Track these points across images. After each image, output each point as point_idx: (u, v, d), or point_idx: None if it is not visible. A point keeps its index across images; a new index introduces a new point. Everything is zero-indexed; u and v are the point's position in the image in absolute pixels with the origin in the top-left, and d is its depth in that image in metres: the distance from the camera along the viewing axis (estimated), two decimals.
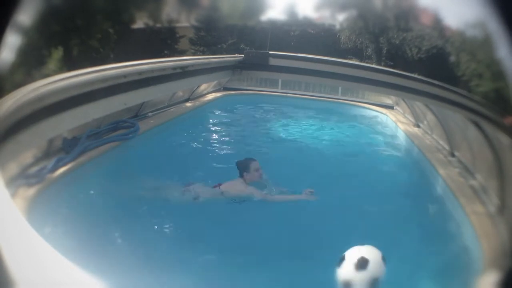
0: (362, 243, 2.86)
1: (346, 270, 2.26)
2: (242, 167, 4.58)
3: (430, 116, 6.84)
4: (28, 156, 3.72)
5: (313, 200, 4.30)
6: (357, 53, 10.17)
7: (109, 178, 4.41)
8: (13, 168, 3.39)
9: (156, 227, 3.74)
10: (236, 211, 4.32)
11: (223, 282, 2.97)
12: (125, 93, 3.54)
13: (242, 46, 9.58)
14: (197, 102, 8.53)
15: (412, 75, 5.28)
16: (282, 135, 7.74)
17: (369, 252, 2.32)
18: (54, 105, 2.64)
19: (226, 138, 7.08)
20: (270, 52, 5.65)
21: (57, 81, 2.72)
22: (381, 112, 9.54)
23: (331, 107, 9.93)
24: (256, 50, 6.99)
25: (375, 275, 2.23)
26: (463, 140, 5.18)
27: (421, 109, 7.40)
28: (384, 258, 2.33)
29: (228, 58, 6.14)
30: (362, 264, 2.23)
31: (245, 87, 10.35)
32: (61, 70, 4.04)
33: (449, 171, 5.05)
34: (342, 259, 2.34)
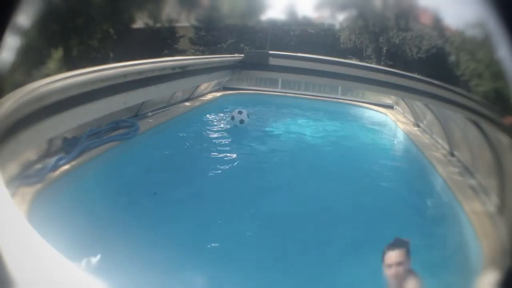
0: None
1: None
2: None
3: (429, 116, 6.84)
4: (28, 156, 3.72)
5: None
6: (357, 52, 10.17)
7: (109, 177, 4.42)
8: (13, 167, 3.39)
9: (156, 226, 3.73)
10: (238, 215, 4.32)
11: (223, 282, 2.98)
12: (125, 92, 3.54)
13: (242, 45, 9.58)
14: (197, 102, 8.53)
15: (412, 74, 5.27)
16: (281, 134, 7.73)
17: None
18: (54, 105, 2.64)
19: (226, 138, 7.07)
20: (270, 52, 5.65)
21: (57, 81, 2.72)
22: (381, 112, 9.54)
23: (331, 107, 9.92)
24: (256, 50, 6.98)
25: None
26: (463, 140, 5.18)
27: (420, 109, 7.41)
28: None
29: (228, 58, 6.14)
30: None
31: (245, 87, 10.35)
32: (61, 70, 4.05)
33: (449, 171, 5.05)
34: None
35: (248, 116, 7.43)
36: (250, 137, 7.41)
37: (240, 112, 7.40)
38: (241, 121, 7.35)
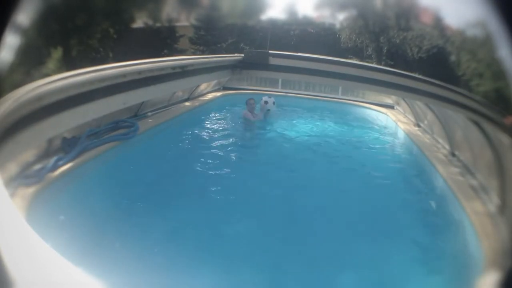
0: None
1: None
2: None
3: (430, 116, 6.83)
4: (27, 156, 3.71)
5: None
6: (358, 52, 10.18)
7: (109, 177, 4.41)
8: (13, 167, 3.38)
9: (156, 226, 3.73)
10: (236, 209, 4.32)
11: (222, 282, 2.97)
12: (124, 92, 3.52)
13: (242, 45, 9.59)
14: (196, 102, 8.52)
15: (413, 74, 5.26)
16: (282, 133, 7.73)
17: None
18: (54, 105, 2.63)
19: (226, 138, 7.07)
20: (270, 52, 5.63)
21: (56, 81, 2.71)
22: (381, 112, 9.53)
23: (332, 107, 9.93)
24: (256, 50, 6.98)
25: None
26: (464, 140, 5.17)
27: (421, 109, 7.40)
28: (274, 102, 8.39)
29: (227, 58, 6.12)
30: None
31: (245, 87, 10.35)
32: (60, 69, 4.04)
33: (450, 171, 5.05)
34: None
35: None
36: (250, 136, 7.40)
37: (266, 102, 8.32)
38: (274, 103, 8.42)
